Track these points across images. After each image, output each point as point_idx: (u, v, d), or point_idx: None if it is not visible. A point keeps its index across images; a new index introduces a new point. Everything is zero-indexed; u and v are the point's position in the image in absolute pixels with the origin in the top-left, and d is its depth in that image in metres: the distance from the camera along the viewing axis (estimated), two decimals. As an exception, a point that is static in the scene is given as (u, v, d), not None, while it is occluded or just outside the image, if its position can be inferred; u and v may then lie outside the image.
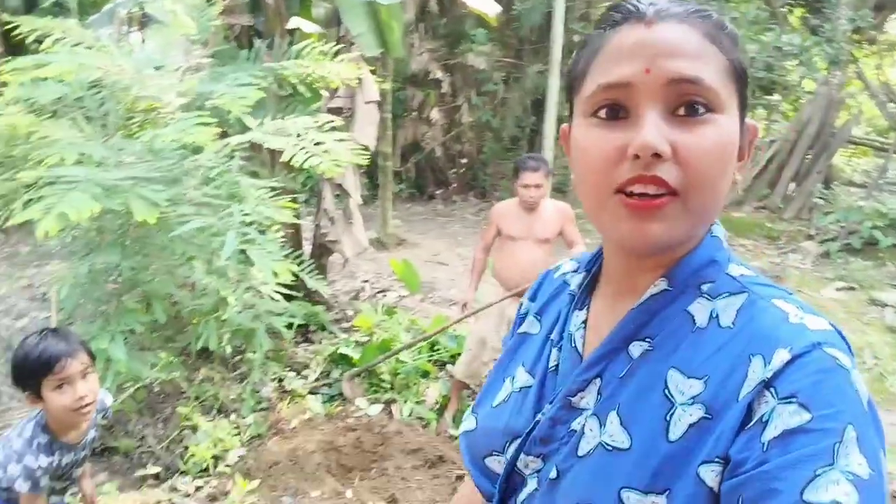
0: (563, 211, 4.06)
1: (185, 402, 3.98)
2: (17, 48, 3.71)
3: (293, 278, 3.53)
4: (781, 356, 0.68)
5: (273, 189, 3.58)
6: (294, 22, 5.03)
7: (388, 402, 4.38)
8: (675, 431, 0.72)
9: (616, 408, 0.77)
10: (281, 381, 4.51)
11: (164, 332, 3.63)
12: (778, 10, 10.19)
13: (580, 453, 0.79)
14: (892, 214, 8.55)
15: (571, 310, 0.92)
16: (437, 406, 4.38)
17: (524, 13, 10.87)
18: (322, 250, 5.54)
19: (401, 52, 5.78)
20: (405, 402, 4.37)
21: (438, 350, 4.93)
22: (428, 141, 11.53)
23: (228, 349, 3.71)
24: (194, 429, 3.78)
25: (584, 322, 0.89)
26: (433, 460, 3.74)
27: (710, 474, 0.69)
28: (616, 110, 0.76)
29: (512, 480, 0.88)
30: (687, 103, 0.73)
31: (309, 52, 4.13)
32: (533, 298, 1.04)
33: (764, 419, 0.67)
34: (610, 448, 0.76)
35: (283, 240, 4.24)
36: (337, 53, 4.11)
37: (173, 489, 3.40)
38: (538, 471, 0.84)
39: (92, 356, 2.13)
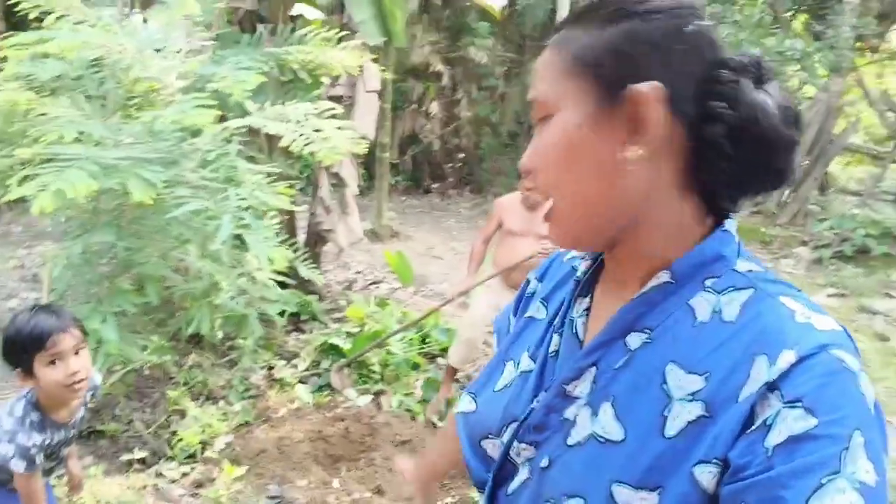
0: None
1: (173, 387, 3.96)
2: (18, 25, 3.67)
3: (287, 266, 3.51)
4: (787, 357, 0.67)
5: (270, 175, 3.56)
6: (297, 8, 5.02)
7: (378, 394, 4.37)
8: (672, 428, 0.71)
9: (610, 399, 0.77)
10: (271, 369, 4.50)
11: (156, 316, 3.60)
12: (782, 15, 10.18)
13: (570, 443, 0.78)
14: (885, 223, 8.60)
15: (575, 296, 0.91)
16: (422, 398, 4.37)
17: (528, 9, 10.84)
18: (316, 239, 5.53)
19: (403, 42, 5.76)
20: (395, 393, 4.37)
21: (429, 342, 4.93)
22: (426, 134, 11.51)
23: (220, 335, 3.68)
24: (182, 414, 3.76)
25: (587, 310, 0.89)
26: (421, 452, 3.74)
27: (705, 475, 0.68)
28: None
29: (504, 469, 0.87)
30: (538, 120, 0.82)
31: (312, 38, 4.10)
32: (541, 279, 1.05)
33: (768, 423, 0.65)
34: (603, 440, 0.75)
35: (278, 227, 4.22)
36: (340, 40, 4.08)
37: (159, 474, 3.38)
38: (530, 459, 0.84)
39: (84, 332, 2.11)
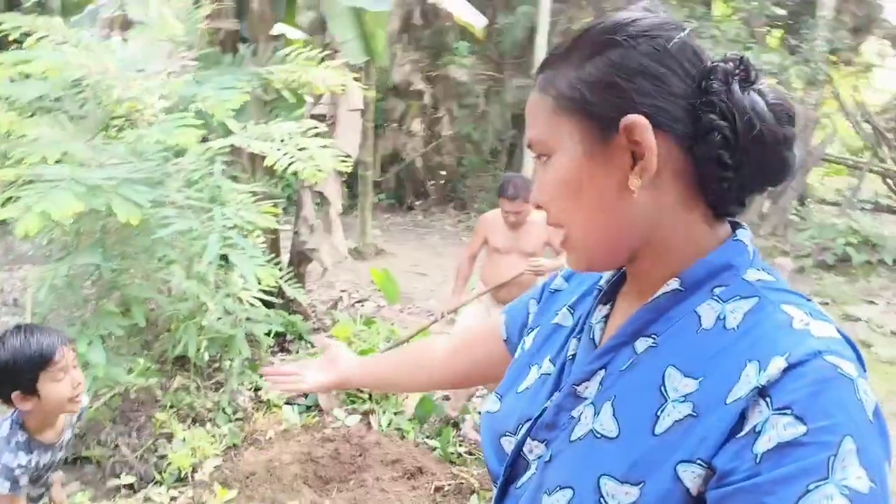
0: None
1: (160, 410, 3.90)
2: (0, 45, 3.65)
3: (272, 285, 3.49)
4: (777, 364, 0.67)
5: (254, 194, 3.54)
6: (279, 28, 5.01)
7: (367, 413, 4.33)
8: (661, 426, 0.72)
9: (612, 399, 0.78)
10: (258, 390, 4.45)
11: (142, 338, 3.56)
12: (757, 30, 10.33)
13: (572, 438, 0.80)
14: (864, 232, 8.70)
15: (596, 303, 0.93)
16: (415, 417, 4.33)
17: (507, 28, 10.93)
18: (301, 258, 5.50)
19: (385, 60, 5.78)
20: (384, 412, 4.32)
21: (418, 360, 4.89)
22: (408, 152, 11.53)
23: (206, 356, 3.64)
24: (169, 438, 3.70)
25: (606, 317, 0.91)
26: (412, 471, 3.70)
27: (688, 475, 0.68)
28: None
29: (517, 465, 0.89)
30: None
31: (294, 57, 4.10)
32: (568, 279, 1.08)
33: (757, 429, 0.65)
34: (598, 436, 0.77)
35: (262, 246, 4.20)
36: (323, 60, 4.09)
37: (147, 499, 3.32)
38: (540, 457, 0.86)
39: None
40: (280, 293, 4.68)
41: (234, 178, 3.90)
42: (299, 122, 3.73)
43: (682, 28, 0.78)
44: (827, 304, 7.28)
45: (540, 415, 0.87)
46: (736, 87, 0.75)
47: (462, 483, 3.62)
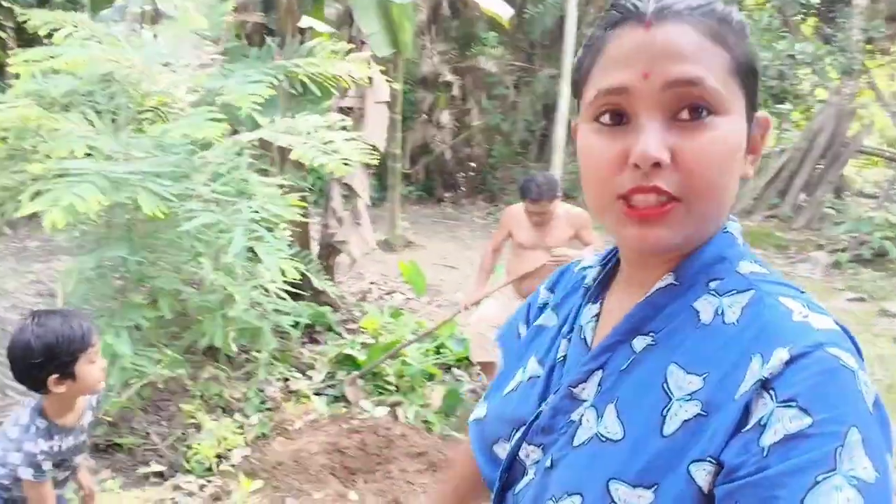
0: (577, 218, 4.01)
1: (189, 400, 3.96)
2: (31, 42, 3.70)
3: (300, 278, 3.51)
4: (780, 356, 0.66)
5: (282, 187, 3.56)
6: (306, 21, 5.03)
7: (394, 405, 4.35)
8: (670, 426, 0.71)
9: (614, 400, 0.77)
10: (286, 381, 4.49)
11: (171, 329, 3.61)
12: (791, 19, 10.15)
13: (575, 443, 0.79)
14: (902, 225, 8.52)
15: (584, 303, 0.92)
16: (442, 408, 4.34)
17: (536, 17, 10.87)
18: (330, 250, 5.53)
19: (412, 52, 5.78)
20: (410, 404, 4.34)
21: (444, 353, 4.91)
22: (437, 144, 11.52)
23: (234, 347, 3.68)
24: (199, 427, 3.76)
25: (596, 316, 0.90)
26: (437, 464, 3.71)
27: (700, 473, 0.67)
28: (618, 116, 0.75)
29: (514, 470, 0.88)
30: (689, 107, 0.72)
31: (320, 50, 4.11)
32: (552, 289, 1.05)
33: (762, 422, 0.65)
34: (603, 439, 0.75)
35: (290, 239, 4.23)
36: (349, 52, 4.09)
37: (177, 487, 3.37)
38: (537, 462, 0.84)
39: None
40: (309, 285, 4.71)
41: (264, 172, 3.93)
42: (325, 116, 3.75)
43: None
44: (863, 299, 7.14)
45: (535, 418, 0.86)
46: None
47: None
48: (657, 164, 0.71)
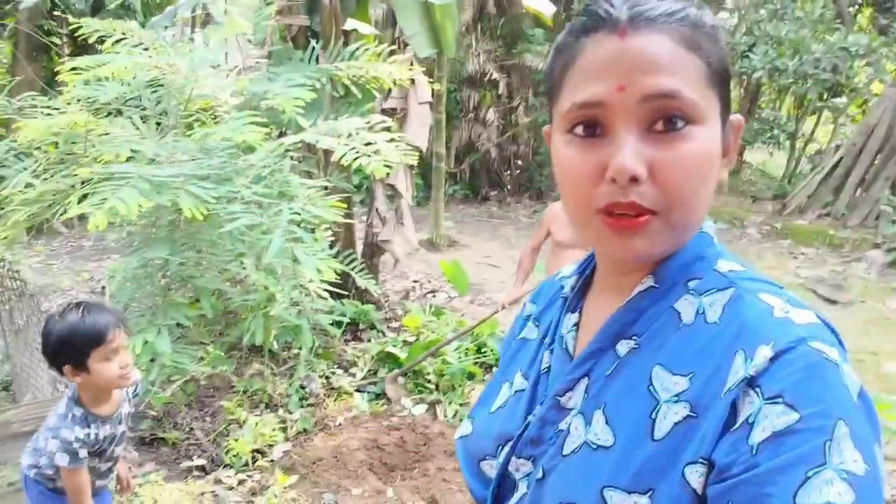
0: None
1: (232, 396, 4.06)
2: (84, 49, 3.83)
3: (341, 277, 3.56)
4: (764, 353, 0.67)
5: (325, 188, 3.62)
6: (350, 23, 5.09)
7: (433, 403, 4.39)
8: (660, 430, 0.71)
9: (602, 406, 0.77)
10: (329, 377, 4.57)
11: (215, 327, 3.70)
12: (845, 10, 9.89)
13: (565, 452, 0.78)
14: (962, 224, 8.25)
15: (564, 313, 0.92)
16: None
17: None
18: (373, 250, 5.60)
19: (454, 53, 5.80)
20: (450, 403, 4.38)
21: (484, 352, 4.93)
22: (483, 142, 11.52)
23: (275, 345, 3.76)
24: (241, 423, 3.85)
25: (576, 325, 0.90)
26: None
27: (694, 475, 0.67)
28: (593, 127, 0.75)
29: (504, 486, 0.88)
30: (665, 118, 0.72)
31: (363, 53, 4.16)
32: (535, 300, 1.05)
33: (750, 420, 0.65)
34: (594, 446, 0.75)
35: (333, 239, 4.29)
36: (392, 53, 4.14)
37: (217, 481, 3.46)
38: (528, 474, 0.84)
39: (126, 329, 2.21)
40: (353, 283, 4.78)
41: (308, 174, 4.00)
42: (367, 117, 3.79)
43: None
44: (920, 299, 6.96)
45: (522, 431, 0.86)
46: None
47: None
48: (634, 179, 0.71)
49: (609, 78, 0.72)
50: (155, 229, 3.12)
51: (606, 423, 0.75)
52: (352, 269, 4.44)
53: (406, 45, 5.16)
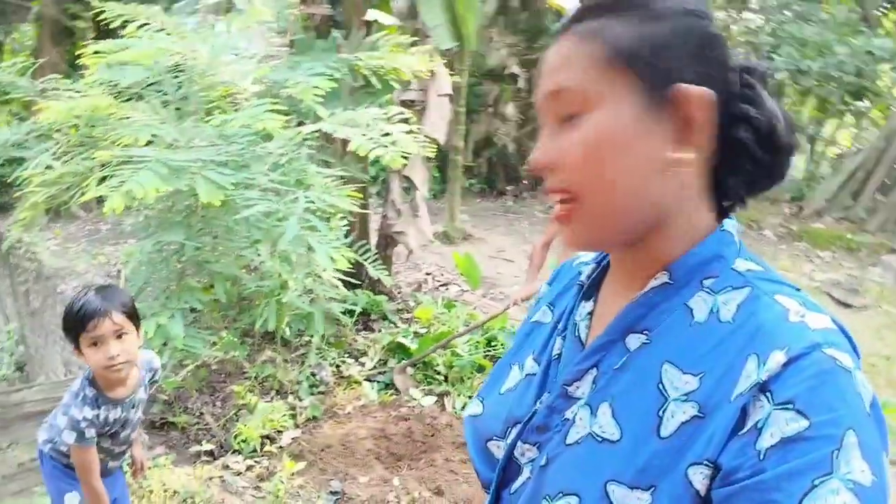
0: None
1: (244, 381, 4.09)
2: (108, 33, 3.87)
3: (354, 267, 3.58)
4: (777, 358, 0.66)
5: (341, 178, 3.63)
6: (372, 14, 5.09)
7: (442, 395, 4.41)
8: (667, 428, 0.70)
9: (609, 399, 0.77)
10: (339, 366, 4.59)
11: (228, 313, 3.73)
12: (871, 13, 9.77)
13: (568, 441, 0.78)
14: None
15: (579, 300, 0.92)
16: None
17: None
18: (387, 241, 5.61)
19: (475, 45, 5.79)
20: (458, 395, 4.39)
21: (495, 346, 4.94)
22: (501, 136, 11.48)
23: (288, 332, 3.78)
24: (251, 409, 3.88)
25: (591, 313, 0.89)
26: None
27: (697, 476, 0.67)
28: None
29: (509, 469, 0.88)
30: (560, 112, 0.78)
31: (383, 43, 4.17)
32: (551, 283, 1.05)
33: (759, 425, 0.64)
34: (600, 439, 0.75)
35: (348, 229, 4.30)
36: (414, 44, 4.14)
37: (226, 467, 3.49)
38: (532, 460, 0.84)
39: (136, 317, 2.16)
40: (366, 274, 4.80)
41: (326, 163, 4.01)
42: (385, 108, 3.80)
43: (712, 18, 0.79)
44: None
45: (530, 417, 0.86)
46: (762, 88, 0.78)
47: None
48: (545, 169, 0.78)
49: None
50: (171, 214, 3.14)
51: (613, 416, 0.75)
52: (365, 260, 4.46)
53: (427, 36, 5.16)
